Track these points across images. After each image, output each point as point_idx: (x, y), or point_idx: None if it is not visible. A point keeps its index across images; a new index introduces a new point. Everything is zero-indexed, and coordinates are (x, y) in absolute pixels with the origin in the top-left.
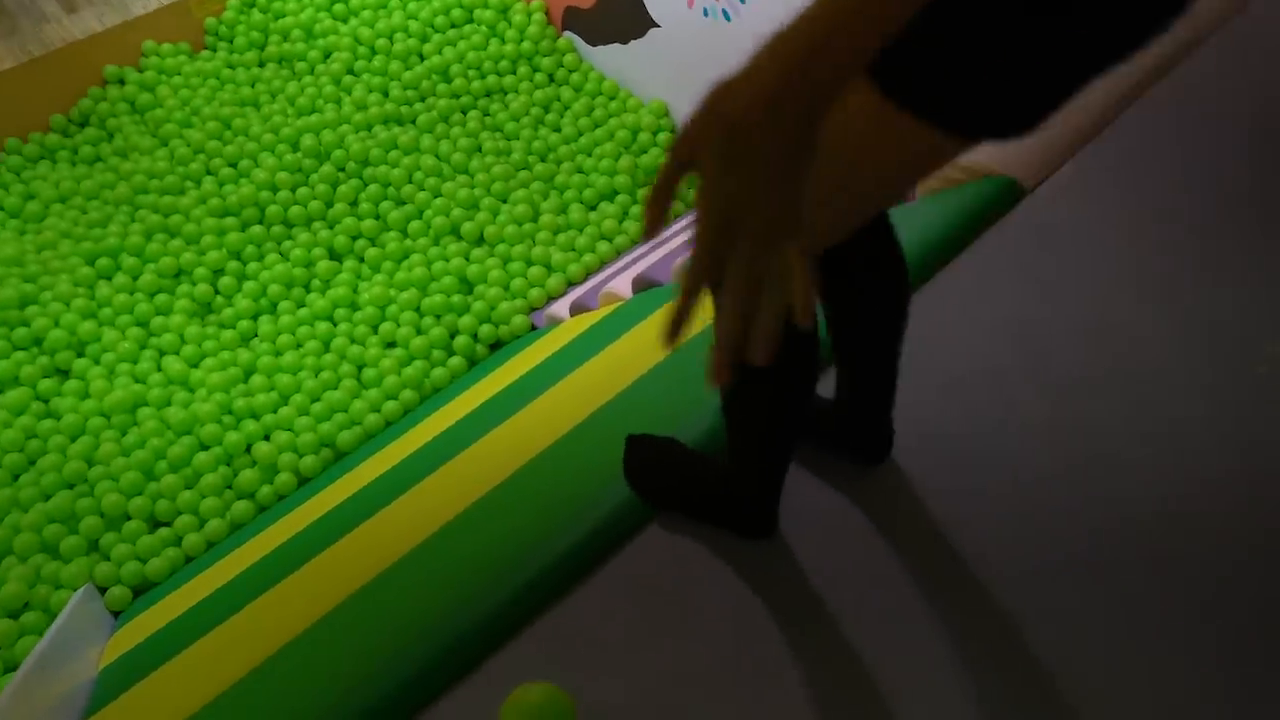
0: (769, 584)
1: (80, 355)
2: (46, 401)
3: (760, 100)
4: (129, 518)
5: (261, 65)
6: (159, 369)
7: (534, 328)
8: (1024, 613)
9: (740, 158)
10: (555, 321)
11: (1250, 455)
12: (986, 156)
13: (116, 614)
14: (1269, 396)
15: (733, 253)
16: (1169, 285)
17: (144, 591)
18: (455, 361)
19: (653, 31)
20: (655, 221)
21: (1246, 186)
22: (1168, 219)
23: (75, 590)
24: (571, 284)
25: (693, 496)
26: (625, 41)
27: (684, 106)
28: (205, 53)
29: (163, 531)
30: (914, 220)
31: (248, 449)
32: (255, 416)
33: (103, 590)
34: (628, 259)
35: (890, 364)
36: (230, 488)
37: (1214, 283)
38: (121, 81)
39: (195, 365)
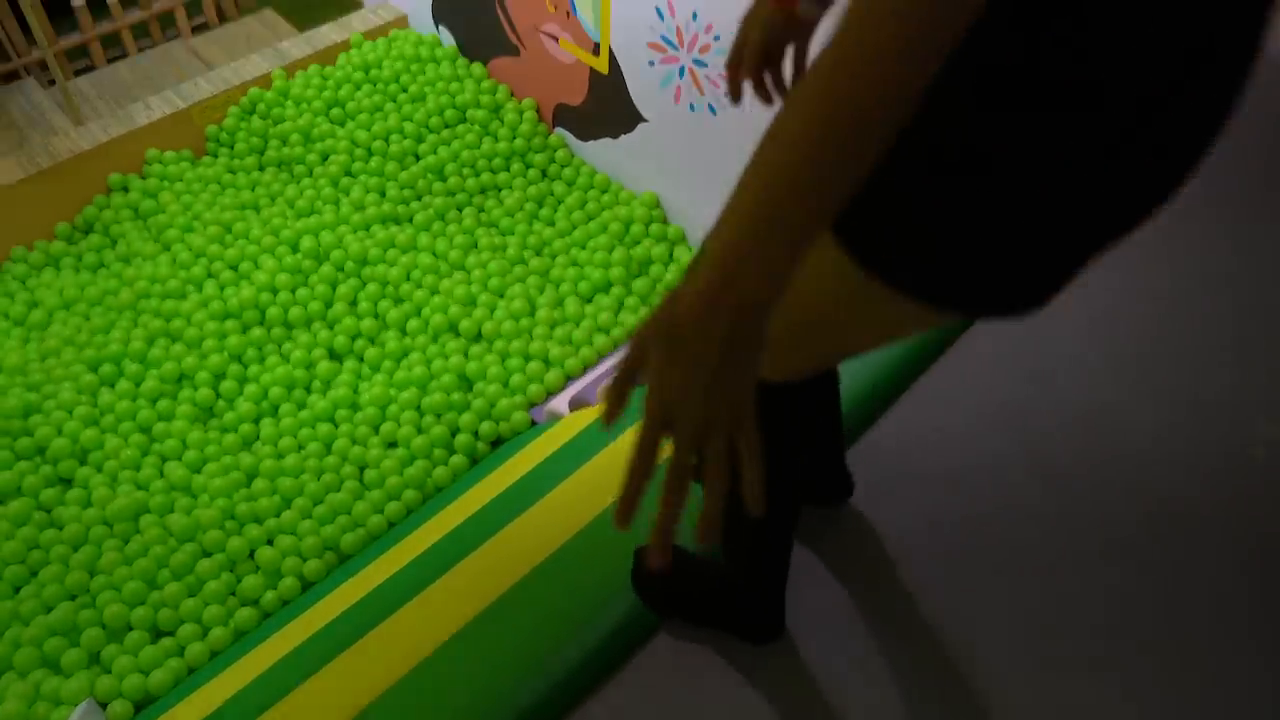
0: (777, 690)
1: (83, 463)
2: (49, 511)
3: (696, 303)
4: (131, 628)
5: (261, 169)
6: (161, 475)
7: (534, 423)
8: (1032, 708)
9: (678, 357)
10: (555, 417)
11: (1246, 537)
12: None
13: None
14: (1265, 479)
15: (674, 445)
16: (1157, 367)
17: (146, 706)
18: (457, 460)
19: (642, 126)
20: (613, 412)
21: (1227, 266)
22: (1150, 298)
23: (76, 706)
24: (570, 378)
25: (699, 604)
26: (615, 136)
27: (674, 197)
28: (207, 159)
29: (165, 641)
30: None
31: (251, 554)
32: (258, 521)
33: (104, 705)
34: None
35: (838, 416)
36: (234, 594)
37: (1203, 363)
38: (125, 189)
39: (198, 470)
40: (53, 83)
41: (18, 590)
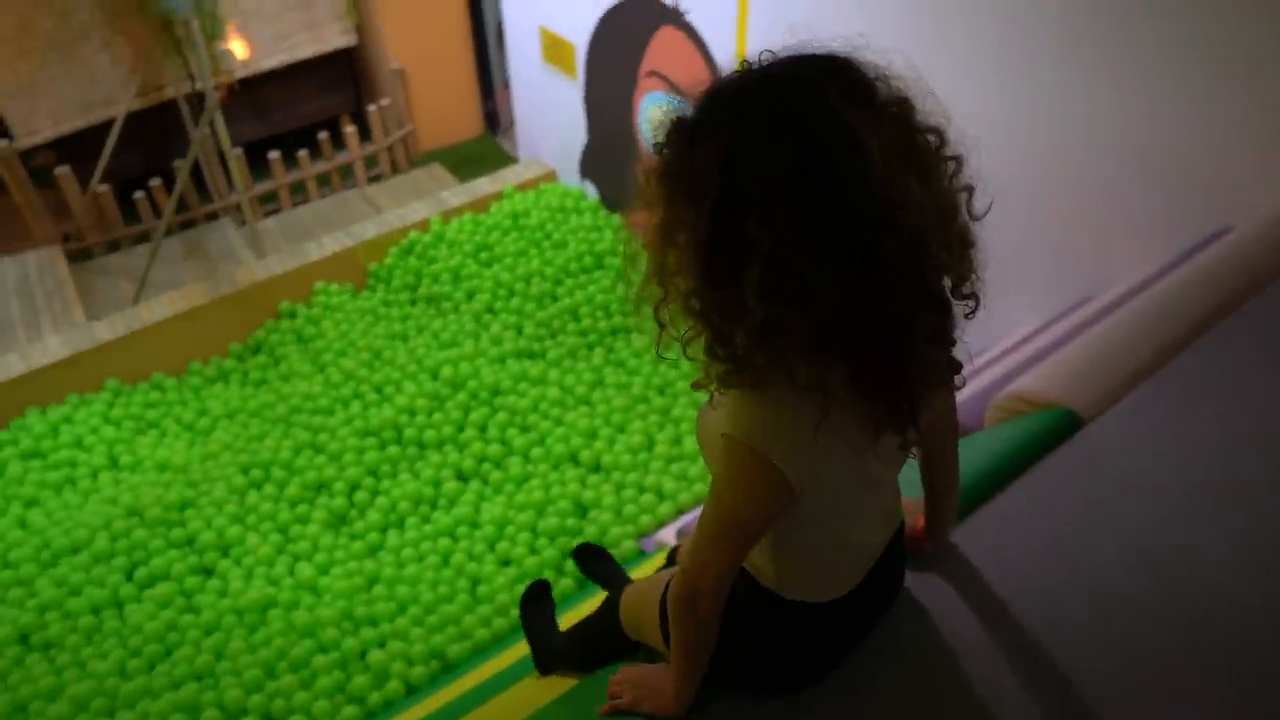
0: None
1: (225, 556)
2: (190, 597)
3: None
4: (247, 713)
5: (413, 304)
6: (291, 573)
7: (643, 552)
8: None
9: (642, 701)
10: (662, 546)
11: None
12: (1048, 388)
13: None
14: None
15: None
16: (1224, 512)
17: None
18: (565, 583)
19: None
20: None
21: None
22: (1221, 451)
23: None
24: (681, 512)
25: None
26: None
27: None
28: (366, 292)
29: None
30: (976, 446)
31: (363, 655)
32: (373, 623)
33: None
34: None
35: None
36: (342, 691)
37: (1274, 512)
38: (293, 315)
39: (325, 572)
40: (245, 223)
41: (153, 666)
